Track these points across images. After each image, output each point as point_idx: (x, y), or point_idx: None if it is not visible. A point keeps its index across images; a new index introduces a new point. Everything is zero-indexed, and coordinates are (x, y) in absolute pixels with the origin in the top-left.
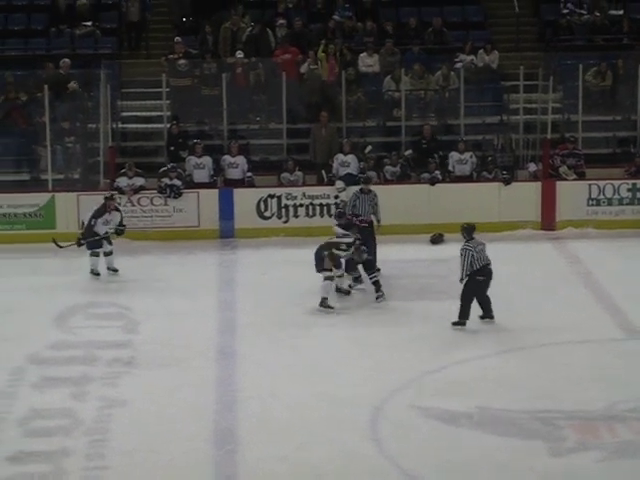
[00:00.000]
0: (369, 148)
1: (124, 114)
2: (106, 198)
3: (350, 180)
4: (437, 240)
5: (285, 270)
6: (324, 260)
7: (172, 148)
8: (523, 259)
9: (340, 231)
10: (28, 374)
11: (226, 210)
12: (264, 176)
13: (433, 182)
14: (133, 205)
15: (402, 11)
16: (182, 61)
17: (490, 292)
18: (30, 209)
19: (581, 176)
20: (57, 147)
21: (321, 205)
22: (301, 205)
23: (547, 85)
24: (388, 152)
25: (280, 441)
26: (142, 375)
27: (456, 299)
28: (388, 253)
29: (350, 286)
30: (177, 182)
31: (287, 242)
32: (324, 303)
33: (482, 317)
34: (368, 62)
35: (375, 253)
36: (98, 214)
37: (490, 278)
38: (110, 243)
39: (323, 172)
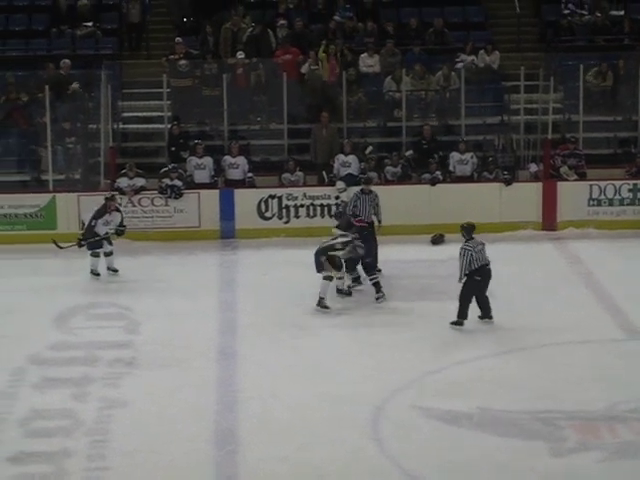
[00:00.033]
0: (370, 149)
1: (125, 115)
2: (107, 199)
3: (351, 181)
4: (438, 241)
5: (286, 271)
6: (324, 264)
7: (173, 149)
8: (524, 259)
9: (339, 232)
10: (29, 375)
11: (227, 210)
12: (265, 177)
13: (434, 182)
14: (134, 205)
15: (403, 11)
16: (183, 62)
17: (491, 292)
18: (31, 210)
19: (582, 176)
20: (58, 148)
21: (322, 206)
22: (302, 206)
23: (548, 85)
24: (389, 152)
25: (281, 441)
26: (143, 376)
27: (457, 300)
28: (389, 253)
29: (349, 286)
30: (178, 183)
31: (288, 243)
32: (321, 303)
33: (481, 317)
34: (369, 62)
35: (376, 254)
36: (99, 215)
37: (489, 278)
38: (110, 243)
39: (324, 173)
